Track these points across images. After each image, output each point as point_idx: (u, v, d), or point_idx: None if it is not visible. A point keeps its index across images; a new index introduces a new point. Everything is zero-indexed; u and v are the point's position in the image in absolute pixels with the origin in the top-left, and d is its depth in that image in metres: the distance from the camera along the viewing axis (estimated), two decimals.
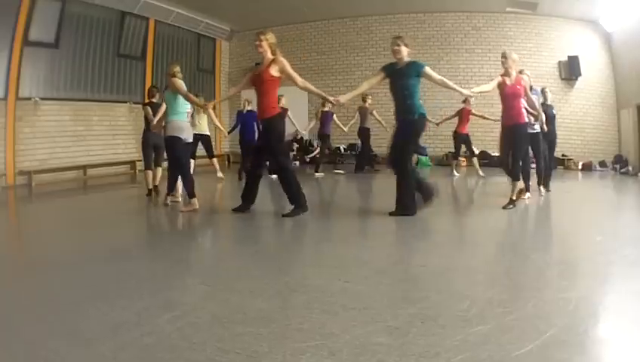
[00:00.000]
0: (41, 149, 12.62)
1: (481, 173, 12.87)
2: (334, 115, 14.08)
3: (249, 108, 12.63)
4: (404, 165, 7.05)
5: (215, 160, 12.73)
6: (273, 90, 7.06)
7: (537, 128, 8.64)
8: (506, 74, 7.68)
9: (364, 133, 14.26)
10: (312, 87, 7.29)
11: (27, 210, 9.53)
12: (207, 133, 12.20)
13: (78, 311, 3.33)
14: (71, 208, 9.39)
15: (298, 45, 18.76)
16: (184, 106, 7.88)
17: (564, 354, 2.63)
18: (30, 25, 12.21)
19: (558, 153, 16.06)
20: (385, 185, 11.94)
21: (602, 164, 15.77)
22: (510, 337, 2.81)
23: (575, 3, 14.85)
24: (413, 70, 6.96)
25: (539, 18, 16.53)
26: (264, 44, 6.91)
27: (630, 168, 14.55)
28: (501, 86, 7.67)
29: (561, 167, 16.07)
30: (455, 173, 13.36)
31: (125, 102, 15.30)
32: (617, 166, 15.24)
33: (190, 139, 8.11)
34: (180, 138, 7.74)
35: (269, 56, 6.96)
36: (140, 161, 15.21)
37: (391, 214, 7.00)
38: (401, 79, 6.98)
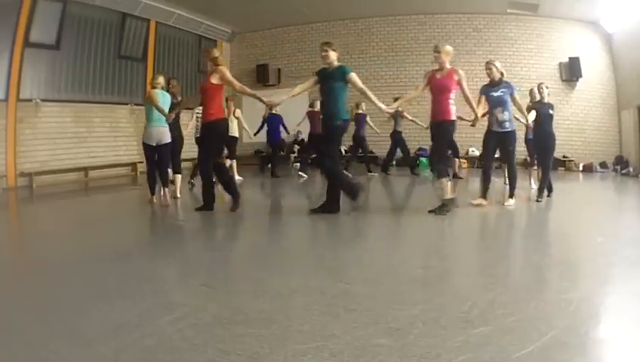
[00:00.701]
0: (42, 151, 12.63)
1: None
2: (368, 117, 14.20)
3: (274, 111, 13.48)
4: (332, 167, 7.41)
5: (234, 162, 12.64)
6: (216, 96, 7.58)
7: (508, 127, 7.91)
8: (439, 68, 7.58)
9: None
10: (248, 90, 7.79)
11: (28, 212, 9.53)
12: (236, 135, 12.46)
13: (79, 312, 3.33)
14: (72, 210, 9.40)
15: (299, 47, 18.79)
16: (158, 114, 8.41)
17: (565, 355, 2.62)
18: (31, 26, 12.24)
19: (558, 154, 16.13)
20: (386, 186, 11.96)
21: (603, 165, 15.78)
22: (511, 338, 2.81)
23: (576, 4, 14.85)
24: (340, 74, 7.23)
25: (540, 19, 16.55)
26: (210, 58, 7.62)
27: (631, 169, 14.55)
28: (431, 81, 7.62)
29: (562, 168, 16.08)
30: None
31: (126, 103, 15.32)
32: (618, 167, 15.24)
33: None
34: (146, 144, 8.50)
35: (212, 66, 7.54)
36: (142, 162, 15.33)
37: (313, 211, 7.41)
38: (328, 83, 7.30)
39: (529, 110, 8.89)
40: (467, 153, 16.83)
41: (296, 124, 14.98)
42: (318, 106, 13.73)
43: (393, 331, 2.95)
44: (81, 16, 13.70)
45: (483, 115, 8.13)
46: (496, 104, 7.92)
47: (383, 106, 7.56)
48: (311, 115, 13.98)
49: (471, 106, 7.74)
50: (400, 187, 12.19)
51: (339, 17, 18.02)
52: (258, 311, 3.34)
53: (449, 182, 7.62)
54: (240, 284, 4.09)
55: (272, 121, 13.92)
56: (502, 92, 7.87)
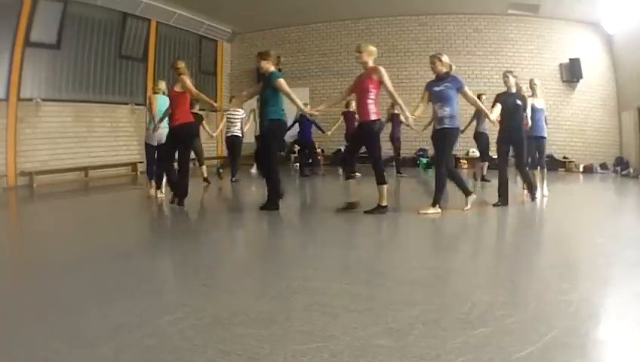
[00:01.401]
0: (43, 150, 12.64)
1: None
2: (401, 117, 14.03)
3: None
4: (271, 166, 7.86)
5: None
6: (180, 103, 8.22)
7: (447, 123, 7.39)
8: (364, 69, 7.56)
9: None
10: (204, 97, 8.25)
11: (28, 211, 9.54)
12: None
13: (80, 312, 3.34)
14: (72, 209, 9.40)
15: (299, 47, 18.81)
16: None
17: (564, 356, 2.63)
18: (32, 26, 12.24)
19: (559, 155, 16.15)
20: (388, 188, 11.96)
21: (603, 166, 15.78)
22: (511, 340, 2.81)
23: (577, 5, 14.85)
24: (270, 81, 7.70)
25: (540, 20, 16.55)
26: (174, 68, 8.29)
27: (631, 170, 14.55)
28: (355, 83, 7.66)
29: (562, 169, 16.09)
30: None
31: (127, 103, 15.33)
32: (618, 168, 15.24)
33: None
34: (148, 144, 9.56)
35: (177, 76, 8.21)
36: (142, 162, 15.35)
37: (262, 208, 7.79)
38: (264, 88, 7.85)
39: (494, 103, 8.51)
40: (467, 154, 16.84)
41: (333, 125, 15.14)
42: (353, 106, 13.79)
43: (393, 332, 2.96)
44: (81, 15, 13.71)
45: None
46: (436, 99, 7.53)
47: (305, 109, 8.32)
48: (347, 115, 14.04)
49: (397, 104, 7.74)
50: (393, 187, 12.19)
51: (339, 18, 18.03)
52: (258, 311, 3.34)
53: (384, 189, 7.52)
54: (240, 285, 4.10)
55: (304, 122, 14.00)
56: (445, 86, 7.44)
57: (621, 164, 15.33)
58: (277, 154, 8.24)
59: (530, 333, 2.88)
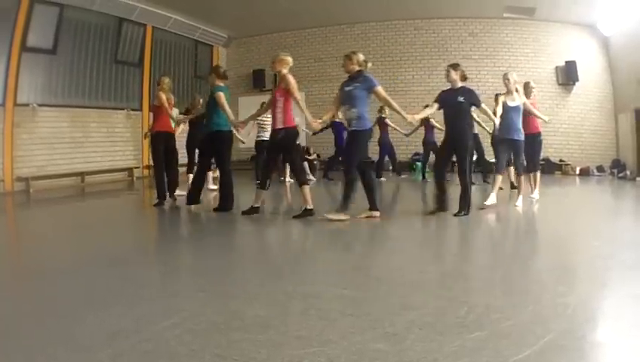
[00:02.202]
0: (39, 155, 12.62)
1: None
2: (432, 120, 13.43)
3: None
4: (224, 170, 8.36)
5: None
6: (159, 114, 9.14)
7: (355, 126, 7.13)
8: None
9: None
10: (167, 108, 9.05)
11: (25, 217, 9.52)
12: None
13: (77, 318, 3.33)
14: (68, 215, 9.38)
15: (295, 52, 18.58)
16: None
17: (562, 359, 2.63)
18: (28, 31, 12.23)
19: (555, 158, 16.18)
20: (388, 191, 11.96)
21: (600, 168, 15.79)
22: (508, 343, 2.81)
23: (572, 7, 14.88)
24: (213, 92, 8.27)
25: (536, 23, 16.57)
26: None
27: (628, 173, 14.56)
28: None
29: (559, 172, 16.11)
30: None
31: (123, 108, 15.32)
32: (615, 170, 15.26)
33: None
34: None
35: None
36: (138, 168, 15.34)
37: (215, 210, 8.23)
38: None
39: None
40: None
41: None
42: (387, 112, 13.77)
43: (390, 336, 2.96)
44: (77, 20, 13.70)
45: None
46: (344, 100, 7.31)
47: (232, 117, 8.33)
48: (380, 121, 14.03)
49: (300, 109, 7.59)
50: (388, 190, 12.19)
51: (335, 22, 18.04)
52: (255, 316, 3.34)
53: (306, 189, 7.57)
54: (237, 290, 4.09)
55: (336, 127, 13.85)
56: (354, 87, 7.16)
57: (618, 166, 15.35)
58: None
59: (527, 336, 2.89)
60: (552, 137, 16.41)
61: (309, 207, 7.37)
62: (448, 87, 7.77)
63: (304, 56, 18.60)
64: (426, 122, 13.10)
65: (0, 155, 11.75)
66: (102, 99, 14.63)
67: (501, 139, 8.45)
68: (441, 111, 7.82)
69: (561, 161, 16.36)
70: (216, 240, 6.65)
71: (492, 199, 8.21)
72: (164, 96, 8.98)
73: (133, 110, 15.56)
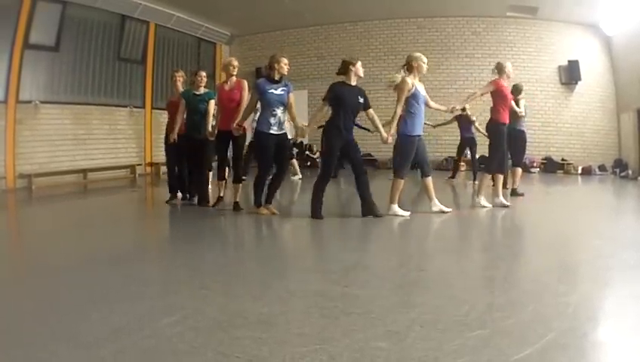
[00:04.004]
0: (41, 153, 12.62)
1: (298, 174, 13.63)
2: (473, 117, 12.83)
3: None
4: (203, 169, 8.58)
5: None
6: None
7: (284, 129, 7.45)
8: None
9: None
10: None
11: (27, 214, 9.53)
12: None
13: (79, 315, 3.34)
14: (71, 212, 9.39)
15: (298, 50, 18.79)
16: None
17: (563, 357, 2.63)
18: (31, 28, 12.23)
19: (557, 157, 16.17)
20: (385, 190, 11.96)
21: (602, 168, 15.79)
22: (509, 341, 2.82)
23: (575, 7, 14.87)
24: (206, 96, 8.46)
25: (539, 22, 16.56)
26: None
27: (630, 172, 14.57)
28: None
29: (561, 171, 16.10)
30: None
31: (125, 106, 15.31)
32: (617, 170, 15.26)
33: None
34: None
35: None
36: (140, 165, 15.34)
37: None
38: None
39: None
40: (466, 156, 16.82)
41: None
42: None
43: (391, 334, 2.96)
44: (80, 18, 13.70)
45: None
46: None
47: (210, 125, 8.35)
48: None
49: (246, 110, 7.83)
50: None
51: (338, 20, 18.03)
52: (257, 314, 3.34)
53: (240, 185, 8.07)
54: (239, 287, 4.10)
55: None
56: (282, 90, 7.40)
57: (620, 165, 15.35)
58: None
59: (528, 335, 2.89)
60: (555, 136, 16.43)
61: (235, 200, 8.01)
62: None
63: (306, 54, 18.61)
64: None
65: (2, 152, 11.76)
66: (104, 96, 14.62)
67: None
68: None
69: (563, 160, 16.35)
70: (218, 238, 6.66)
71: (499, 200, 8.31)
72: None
73: (135, 107, 15.55)
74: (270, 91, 7.27)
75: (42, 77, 12.79)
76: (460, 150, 13.01)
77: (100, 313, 3.35)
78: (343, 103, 7.16)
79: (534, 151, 15.57)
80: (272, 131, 7.29)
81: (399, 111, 7.37)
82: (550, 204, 9.11)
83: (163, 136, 9.86)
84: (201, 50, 18.61)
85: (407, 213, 7.38)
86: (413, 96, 7.37)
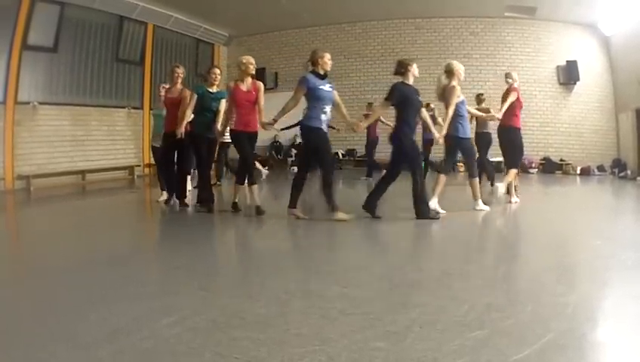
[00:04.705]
0: (40, 154, 12.62)
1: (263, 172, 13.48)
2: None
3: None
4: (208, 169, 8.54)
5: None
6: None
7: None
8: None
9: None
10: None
11: (26, 215, 9.52)
12: None
13: (77, 315, 3.33)
14: (69, 213, 9.38)
15: (296, 50, 18.79)
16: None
17: (562, 358, 2.63)
18: (29, 29, 12.24)
19: (556, 157, 16.18)
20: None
21: (601, 168, 15.80)
22: (508, 342, 2.81)
23: (574, 7, 14.88)
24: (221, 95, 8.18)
25: (537, 23, 16.57)
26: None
27: (629, 172, 14.58)
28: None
29: (559, 171, 16.11)
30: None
31: (124, 107, 15.31)
32: (616, 170, 15.27)
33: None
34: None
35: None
36: (139, 166, 15.33)
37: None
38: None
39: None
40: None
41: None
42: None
43: (390, 335, 2.96)
44: (78, 19, 13.70)
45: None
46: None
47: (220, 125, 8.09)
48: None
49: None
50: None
51: (336, 21, 18.04)
52: (255, 314, 3.34)
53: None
54: (237, 288, 4.10)
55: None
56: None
57: (618, 165, 15.36)
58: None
59: (527, 335, 2.89)
60: (553, 137, 16.44)
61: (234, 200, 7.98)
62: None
63: (305, 55, 18.44)
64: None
65: (1, 153, 11.76)
66: (103, 97, 14.63)
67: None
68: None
69: (561, 160, 16.36)
70: (217, 238, 6.66)
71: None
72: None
73: (134, 108, 15.56)
74: (321, 87, 7.12)
75: (41, 78, 12.79)
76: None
77: (99, 314, 3.35)
78: (410, 103, 7.24)
79: (532, 151, 15.58)
80: (323, 127, 7.16)
81: (451, 113, 7.63)
82: (549, 204, 9.12)
83: (151, 135, 9.67)
84: (199, 51, 18.61)
85: (487, 207, 7.90)
86: (462, 102, 7.90)
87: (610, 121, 16.44)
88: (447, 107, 7.67)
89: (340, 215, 7.05)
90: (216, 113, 8.12)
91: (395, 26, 17.86)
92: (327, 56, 7.33)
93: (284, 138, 17.83)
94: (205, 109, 8.09)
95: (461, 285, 4.10)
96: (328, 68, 7.31)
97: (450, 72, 7.84)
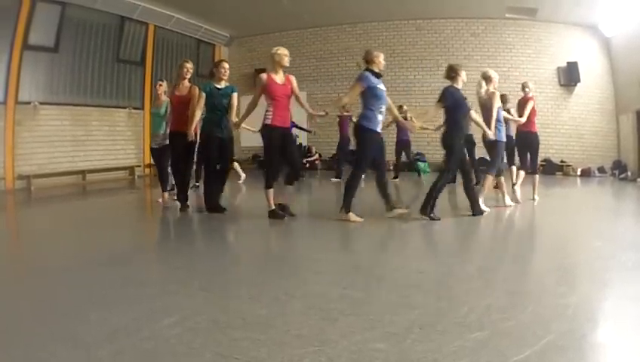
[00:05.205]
0: (40, 154, 12.63)
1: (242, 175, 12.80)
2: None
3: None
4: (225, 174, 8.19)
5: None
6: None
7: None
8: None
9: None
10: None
11: (26, 215, 9.52)
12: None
13: (78, 316, 3.33)
14: (70, 213, 9.38)
15: (297, 51, 18.74)
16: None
17: (562, 359, 2.63)
18: (30, 29, 12.26)
19: (556, 159, 16.18)
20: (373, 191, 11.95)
21: (601, 169, 15.79)
22: (508, 343, 2.81)
23: (574, 8, 14.87)
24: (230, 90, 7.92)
25: (538, 24, 16.57)
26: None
27: (629, 174, 14.56)
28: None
29: (560, 173, 16.09)
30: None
31: (124, 107, 15.32)
32: (616, 171, 15.26)
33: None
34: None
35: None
36: (139, 166, 15.32)
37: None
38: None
39: None
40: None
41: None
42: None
43: (390, 336, 2.96)
44: (79, 19, 13.71)
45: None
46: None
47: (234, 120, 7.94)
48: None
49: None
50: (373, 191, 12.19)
51: (337, 22, 18.04)
52: (256, 315, 3.34)
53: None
54: (238, 289, 4.10)
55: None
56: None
57: (619, 167, 15.35)
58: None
59: (527, 336, 2.89)
60: (554, 138, 16.41)
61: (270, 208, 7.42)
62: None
63: (306, 56, 18.60)
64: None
65: (1, 153, 11.77)
66: (103, 97, 14.64)
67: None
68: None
69: (562, 161, 16.35)
70: (217, 239, 6.66)
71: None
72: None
73: (134, 109, 15.57)
74: (378, 86, 7.07)
75: (41, 78, 12.81)
76: (399, 151, 14.02)
77: (99, 314, 3.35)
78: (459, 106, 7.43)
79: None
80: (379, 129, 7.05)
81: (495, 117, 8.08)
82: (549, 205, 9.10)
83: (151, 135, 9.14)
84: (200, 52, 18.60)
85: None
86: (500, 107, 8.28)
87: (611, 123, 16.43)
88: (489, 111, 8.06)
89: (399, 211, 7.30)
90: (226, 110, 7.84)
91: (395, 27, 17.87)
92: (382, 56, 7.37)
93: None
94: (215, 107, 7.75)
95: (461, 286, 4.10)
96: (382, 68, 7.32)
97: (488, 79, 8.31)
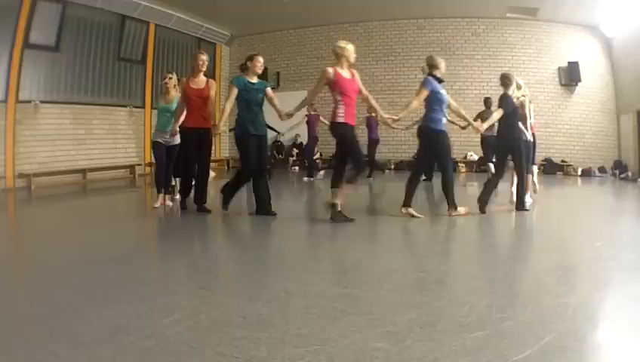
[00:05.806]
0: (41, 152, 12.64)
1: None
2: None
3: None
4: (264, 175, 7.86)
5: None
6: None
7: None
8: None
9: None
10: None
11: (26, 213, 9.52)
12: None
13: (78, 314, 3.33)
14: (70, 211, 9.39)
15: (298, 50, 18.83)
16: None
17: (562, 359, 2.62)
18: (31, 28, 12.26)
19: (557, 159, 16.18)
20: (378, 190, 11.96)
21: (602, 169, 15.80)
22: (508, 343, 2.81)
23: (575, 8, 14.88)
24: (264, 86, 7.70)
25: (539, 24, 16.58)
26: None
27: (630, 173, 14.57)
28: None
29: (561, 172, 16.10)
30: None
31: (125, 106, 15.32)
32: (617, 171, 15.26)
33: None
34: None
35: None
36: (140, 165, 15.33)
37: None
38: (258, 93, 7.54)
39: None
40: (465, 157, 16.88)
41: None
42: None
43: (391, 335, 2.95)
44: (80, 17, 13.72)
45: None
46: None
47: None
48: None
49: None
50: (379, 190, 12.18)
51: (337, 21, 18.05)
52: (256, 314, 3.34)
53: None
54: (238, 287, 4.10)
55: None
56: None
57: (620, 167, 15.36)
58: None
59: (527, 336, 2.89)
60: (554, 138, 16.42)
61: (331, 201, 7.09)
62: None
63: (306, 55, 18.62)
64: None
65: (2, 152, 11.77)
66: (104, 96, 14.64)
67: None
68: None
69: (563, 161, 16.37)
70: (217, 238, 6.66)
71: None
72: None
73: (135, 107, 15.58)
74: (442, 91, 7.51)
75: (42, 77, 12.81)
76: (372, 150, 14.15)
77: (99, 312, 3.35)
78: (515, 110, 8.02)
79: None
80: (445, 129, 7.57)
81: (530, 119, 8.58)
82: (550, 205, 9.11)
83: (155, 130, 8.83)
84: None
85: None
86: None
87: (612, 123, 16.45)
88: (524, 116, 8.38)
89: (461, 209, 7.56)
90: (261, 106, 7.52)
91: (397, 27, 17.88)
92: (444, 63, 7.70)
93: (286, 138, 17.85)
94: (252, 103, 7.36)
95: (462, 286, 4.10)
96: (444, 72, 7.72)
97: (517, 84, 8.43)
